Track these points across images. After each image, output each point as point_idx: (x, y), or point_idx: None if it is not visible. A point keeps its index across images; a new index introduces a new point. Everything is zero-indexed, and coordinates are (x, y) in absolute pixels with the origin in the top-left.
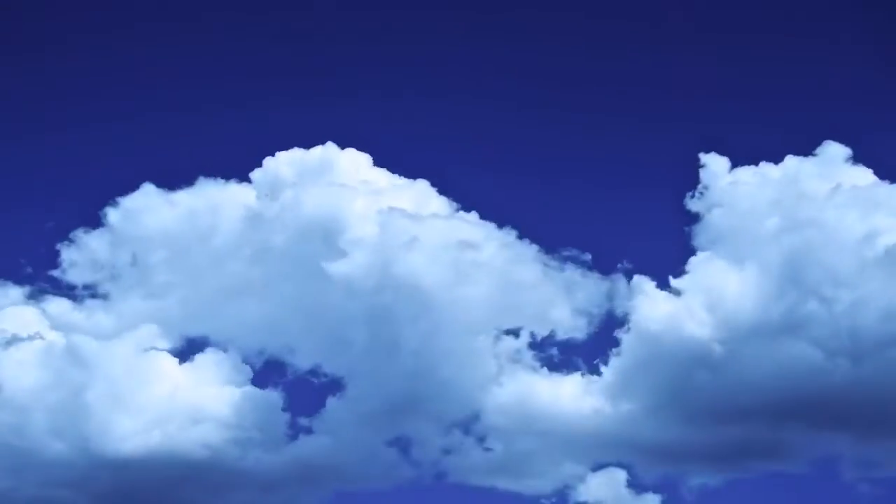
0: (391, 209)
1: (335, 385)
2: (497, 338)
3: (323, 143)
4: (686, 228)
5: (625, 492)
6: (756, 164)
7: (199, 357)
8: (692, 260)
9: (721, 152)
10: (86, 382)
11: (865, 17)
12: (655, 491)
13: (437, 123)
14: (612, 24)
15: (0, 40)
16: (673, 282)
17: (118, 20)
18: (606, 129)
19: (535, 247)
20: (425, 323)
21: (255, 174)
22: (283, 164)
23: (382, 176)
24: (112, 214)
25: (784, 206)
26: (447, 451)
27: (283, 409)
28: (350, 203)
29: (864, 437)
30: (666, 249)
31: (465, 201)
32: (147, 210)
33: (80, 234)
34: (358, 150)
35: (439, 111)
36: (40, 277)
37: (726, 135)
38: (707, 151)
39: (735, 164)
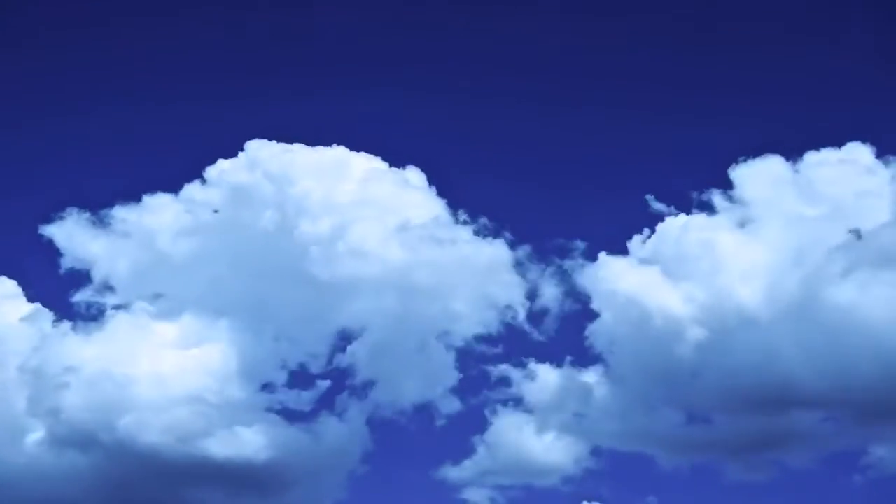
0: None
1: (333, 380)
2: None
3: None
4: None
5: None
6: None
7: (189, 351)
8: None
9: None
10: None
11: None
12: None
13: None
14: (610, 19)
15: None
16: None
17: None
18: (600, 126)
19: (519, 243)
20: (415, 318)
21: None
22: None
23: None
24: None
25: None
26: (447, 446)
27: (282, 406)
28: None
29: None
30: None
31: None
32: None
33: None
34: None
35: (421, 105)
36: None
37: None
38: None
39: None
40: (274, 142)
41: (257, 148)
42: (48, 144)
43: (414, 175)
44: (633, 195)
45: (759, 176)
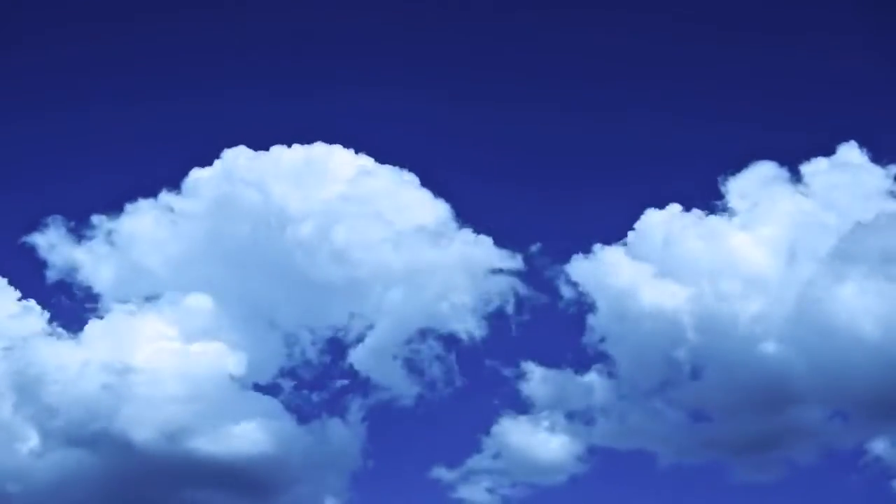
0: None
1: (332, 380)
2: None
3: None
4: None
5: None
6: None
7: (183, 350)
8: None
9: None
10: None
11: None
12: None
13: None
14: (607, 19)
15: None
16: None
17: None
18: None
19: (517, 242)
20: (414, 318)
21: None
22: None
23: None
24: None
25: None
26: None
27: (281, 405)
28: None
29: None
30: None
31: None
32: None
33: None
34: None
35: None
36: None
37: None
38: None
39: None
40: (264, 142)
41: (246, 151)
42: (29, 152)
43: (407, 174)
44: (631, 194)
45: (754, 175)
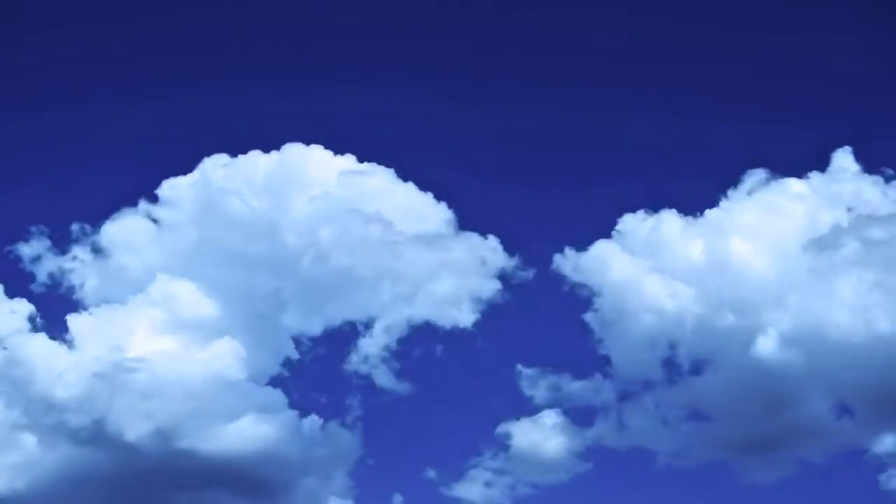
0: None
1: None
2: None
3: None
4: None
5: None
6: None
7: (178, 350)
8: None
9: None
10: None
11: None
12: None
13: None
14: (603, 19)
15: None
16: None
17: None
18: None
19: (513, 241)
20: (415, 318)
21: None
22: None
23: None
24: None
25: None
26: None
27: (279, 404)
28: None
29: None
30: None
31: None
32: None
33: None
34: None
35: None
36: None
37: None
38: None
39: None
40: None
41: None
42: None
43: (407, 175)
44: (630, 195)
45: (753, 175)
